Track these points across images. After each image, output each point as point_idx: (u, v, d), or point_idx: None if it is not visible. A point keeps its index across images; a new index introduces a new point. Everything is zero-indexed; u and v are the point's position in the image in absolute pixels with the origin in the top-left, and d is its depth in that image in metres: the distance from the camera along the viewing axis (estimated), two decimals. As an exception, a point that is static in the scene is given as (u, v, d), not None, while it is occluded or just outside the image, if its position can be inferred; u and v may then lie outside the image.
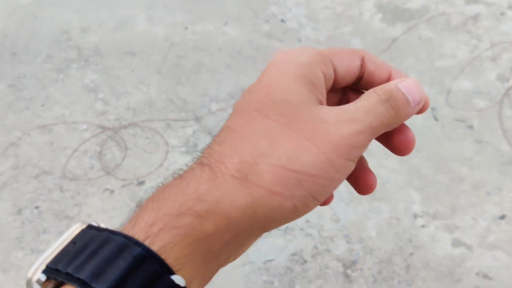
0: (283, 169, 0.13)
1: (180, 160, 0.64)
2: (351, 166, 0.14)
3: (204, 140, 0.73)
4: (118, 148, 0.67)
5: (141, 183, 0.65)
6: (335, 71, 0.16)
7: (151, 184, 0.62)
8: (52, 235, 0.60)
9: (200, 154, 0.14)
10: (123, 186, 0.64)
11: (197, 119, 0.69)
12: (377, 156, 0.64)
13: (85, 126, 0.70)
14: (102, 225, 0.13)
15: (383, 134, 0.15)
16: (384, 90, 0.15)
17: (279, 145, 0.13)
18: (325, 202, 0.15)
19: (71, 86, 0.75)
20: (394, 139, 0.16)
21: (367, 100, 0.15)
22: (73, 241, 0.12)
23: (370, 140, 0.14)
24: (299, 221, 0.62)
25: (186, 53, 0.77)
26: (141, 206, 0.13)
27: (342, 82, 0.16)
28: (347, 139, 0.14)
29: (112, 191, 0.64)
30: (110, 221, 0.61)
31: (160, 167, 0.64)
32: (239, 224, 0.13)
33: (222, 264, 0.13)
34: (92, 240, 0.12)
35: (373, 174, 0.16)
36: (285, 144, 0.13)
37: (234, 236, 0.13)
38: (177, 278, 0.11)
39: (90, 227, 0.13)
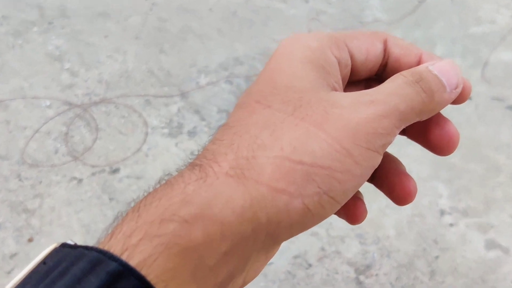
0: (288, 161, 0.13)
1: (162, 143, 0.62)
2: (375, 158, 0.13)
3: (191, 120, 0.69)
4: (88, 129, 0.64)
5: (115, 170, 0.61)
6: (352, 56, 0.15)
7: (127, 172, 0.59)
8: (8, 231, 0.56)
9: (193, 158, 0.13)
10: (93, 174, 0.61)
11: (183, 95, 0.67)
12: (396, 143, 0.62)
13: (48, 102, 0.68)
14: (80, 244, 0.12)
15: (417, 129, 0.15)
16: (412, 72, 0.14)
17: (283, 134, 0.13)
18: (356, 217, 0.16)
19: (32, 54, 0.72)
20: (431, 134, 0.15)
21: (392, 83, 0.14)
22: (43, 262, 0.12)
23: (398, 128, 0.14)
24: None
25: (170, 15, 0.75)
26: (120, 217, 0.13)
27: (362, 71, 0.15)
28: (366, 123, 0.13)
29: (80, 180, 0.61)
30: (77, 216, 0.58)
31: (138, 151, 0.61)
32: (238, 231, 0.12)
33: (225, 284, 0.12)
34: (64, 258, 0.11)
35: (412, 178, 0.15)
36: (289, 133, 0.13)
37: (233, 246, 0.12)
38: None
39: (63, 245, 0.12)
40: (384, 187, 0.16)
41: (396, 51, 0.15)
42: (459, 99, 0.15)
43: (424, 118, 0.14)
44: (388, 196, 0.16)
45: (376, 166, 0.13)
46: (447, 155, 0.15)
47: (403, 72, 0.14)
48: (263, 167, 0.12)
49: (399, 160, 0.16)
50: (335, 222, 0.64)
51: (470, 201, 0.57)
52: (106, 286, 0.10)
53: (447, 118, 0.15)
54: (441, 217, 0.56)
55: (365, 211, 0.16)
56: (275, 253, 0.14)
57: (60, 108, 0.67)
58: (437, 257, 0.53)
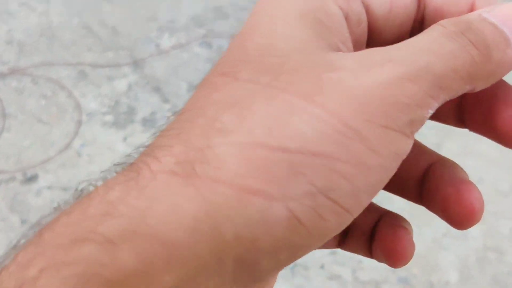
0: (261, 148, 0.11)
1: (103, 137, 0.53)
2: (399, 142, 0.11)
3: (147, 101, 0.59)
4: None
5: (31, 178, 0.51)
6: (368, 9, 0.14)
7: (49, 180, 0.50)
8: None
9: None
10: None
11: (136, 64, 0.56)
12: (459, 134, 0.50)
13: None
14: None
15: (481, 112, 0.14)
16: (455, 21, 0.13)
17: (253, 113, 0.11)
18: (397, 254, 0.14)
19: None
20: (499, 118, 0.13)
21: (424, 36, 0.12)
22: None
23: (435, 99, 0.12)
24: (317, 253, 0.39)
25: None
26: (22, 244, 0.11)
27: (387, 30, 0.14)
28: (382, 90, 0.11)
29: None
30: None
31: (66, 149, 0.51)
32: (190, 255, 0.10)
33: None
34: None
35: (475, 187, 0.14)
36: (263, 110, 0.11)
37: (183, 278, 0.10)
38: None
39: None
40: (435, 203, 0.14)
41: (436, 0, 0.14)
42: None
43: (480, 87, 0.12)
44: (442, 216, 0.14)
45: (404, 156, 0.12)
46: None
47: (443, 22, 0.12)
48: (224, 159, 0.10)
49: (456, 164, 0.15)
50: (367, 260, 0.46)
51: None
52: None
53: None
54: (529, 252, 0.52)
55: (411, 245, 0.14)
56: None
57: None
58: (522, 315, 0.50)
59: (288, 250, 0.11)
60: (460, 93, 0.12)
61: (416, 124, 0.11)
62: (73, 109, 0.54)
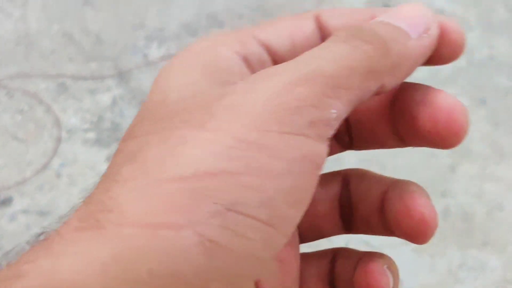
0: (158, 184, 0.11)
1: (84, 156, 0.51)
2: (302, 144, 0.12)
3: (133, 117, 0.45)
4: None
5: (5, 202, 0.48)
6: (268, 47, 0.15)
7: (25, 204, 0.47)
8: None
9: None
10: None
11: (121, 76, 0.53)
12: (476, 155, 0.46)
13: None
14: None
15: (402, 121, 0.14)
16: (348, 28, 0.14)
17: (147, 156, 0.12)
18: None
19: None
20: (418, 119, 0.14)
21: (314, 48, 0.13)
22: None
23: (333, 98, 0.12)
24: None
25: None
26: None
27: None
28: (272, 99, 0.12)
29: None
30: None
31: (44, 170, 0.48)
32: None
33: None
34: None
35: (423, 197, 0.14)
36: (157, 150, 0.12)
37: None
38: None
39: None
40: (392, 226, 0.14)
41: (337, 22, 0.15)
42: (447, 50, 0.13)
43: (390, 82, 0.13)
44: (402, 235, 0.14)
45: (317, 158, 0.12)
46: (449, 148, 0.13)
47: (336, 31, 0.14)
48: (125, 203, 0.11)
49: (408, 181, 0.15)
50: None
51: None
52: None
53: (436, 89, 0.13)
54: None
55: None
56: None
57: None
58: None
59: (223, 277, 0.10)
60: (369, 91, 0.12)
61: (318, 124, 0.11)
62: (52, 125, 0.52)
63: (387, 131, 0.15)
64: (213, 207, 0.10)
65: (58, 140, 0.51)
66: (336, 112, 0.11)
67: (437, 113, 0.13)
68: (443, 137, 0.13)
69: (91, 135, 0.51)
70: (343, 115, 0.12)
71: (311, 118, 0.11)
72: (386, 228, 0.14)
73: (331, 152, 0.15)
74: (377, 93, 0.12)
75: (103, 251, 0.10)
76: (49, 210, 0.46)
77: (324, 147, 0.11)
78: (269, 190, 0.11)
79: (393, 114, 0.14)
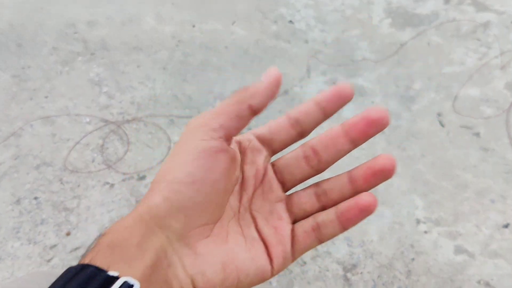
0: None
1: None
2: (206, 142, 0.18)
3: None
4: (121, 142, 0.76)
5: (142, 177, 0.72)
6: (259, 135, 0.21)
7: (152, 179, 0.64)
8: (50, 226, 0.68)
9: None
10: (124, 180, 0.71)
11: None
12: None
13: (88, 119, 0.79)
14: None
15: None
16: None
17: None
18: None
19: (76, 79, 0.86)
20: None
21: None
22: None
23: (220, 128, 0.18)
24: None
25: (193, 51, 0.89)
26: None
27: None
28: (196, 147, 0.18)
29: (112, 185, 0.70)
30: (109, 215, 0.68)
31: (162, 162, 0.73)
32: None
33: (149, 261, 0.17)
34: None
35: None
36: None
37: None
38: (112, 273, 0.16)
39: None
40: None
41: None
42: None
43: (256, 103, 0.17)
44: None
45: (211, 148, 0.17)
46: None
47: None
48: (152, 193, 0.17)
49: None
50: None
51: (442, 212, 0.66)
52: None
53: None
54: (417, 225, 0.64)
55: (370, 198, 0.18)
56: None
57: (98, 124, 0.78)
58: (413, 260, 0.59)
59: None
60: (242, 110, 0.17)
61: (219, 130, 0.17)
62: (166, 140, 0.74)
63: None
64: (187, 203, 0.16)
65: (169, 148, 0.72)
66: (218, 124, 0.17)
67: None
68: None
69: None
70: (227, 125, 0.17)
71: (208, 129, 0.17)
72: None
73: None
74: (254, 112, 0.17)
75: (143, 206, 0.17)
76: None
77: (215, 142, 0.17)
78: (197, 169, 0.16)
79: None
